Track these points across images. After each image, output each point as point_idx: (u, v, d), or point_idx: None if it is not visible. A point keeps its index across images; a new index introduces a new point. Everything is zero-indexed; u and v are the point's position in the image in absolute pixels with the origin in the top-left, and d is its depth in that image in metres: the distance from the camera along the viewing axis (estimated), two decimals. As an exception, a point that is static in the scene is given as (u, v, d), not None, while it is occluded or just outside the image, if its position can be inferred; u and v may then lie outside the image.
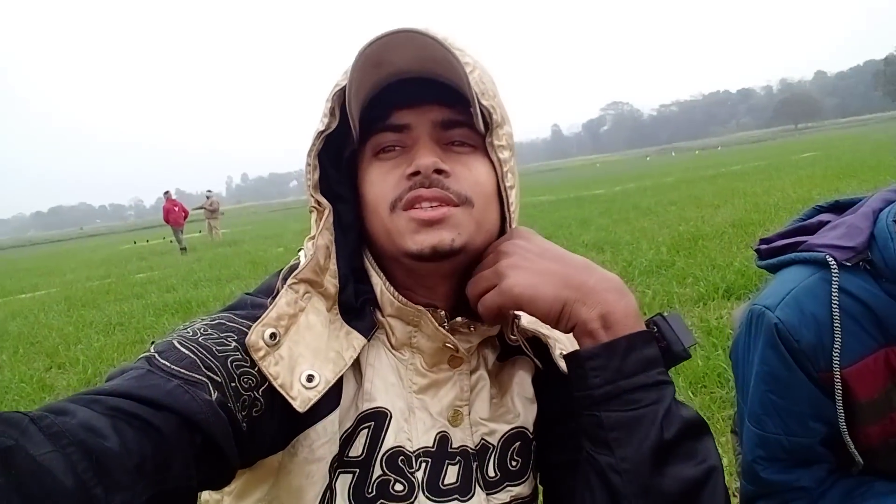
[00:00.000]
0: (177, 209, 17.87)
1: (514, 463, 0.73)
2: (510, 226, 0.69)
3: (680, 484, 0.55)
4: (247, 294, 0.69)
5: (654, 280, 5.28)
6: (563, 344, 0.71)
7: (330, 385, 0.62)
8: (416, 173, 0.63)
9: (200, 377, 0.53)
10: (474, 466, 0.70)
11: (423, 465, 0.69)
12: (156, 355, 0.54)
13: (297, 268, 0.66)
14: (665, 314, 0.64)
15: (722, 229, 7.28)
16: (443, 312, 0.70)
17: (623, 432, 0.57)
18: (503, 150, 0.67)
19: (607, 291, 0.61)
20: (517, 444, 0.74)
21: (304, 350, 0.62)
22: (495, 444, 0.72)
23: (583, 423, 0.61)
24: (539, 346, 0.73)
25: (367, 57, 0.59)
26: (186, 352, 0.55)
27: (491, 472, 0.72)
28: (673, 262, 5.80)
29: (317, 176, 0.66)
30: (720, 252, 6.02)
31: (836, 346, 0.87)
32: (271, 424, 0.60)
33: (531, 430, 0.75)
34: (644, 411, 0.57)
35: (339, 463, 0.66)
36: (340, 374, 0.64)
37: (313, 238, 0.66)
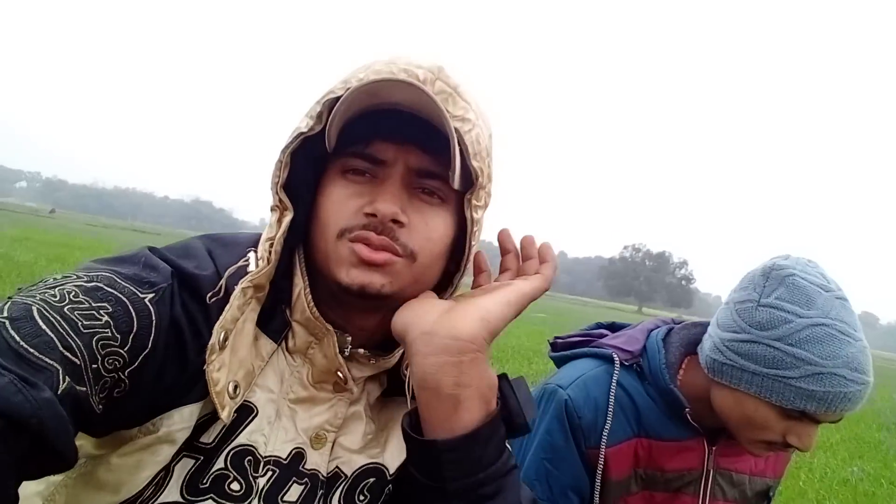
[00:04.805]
0: None
1: (361, 497, 0.69)
2: (459, 278, 0.71)
3: None
4: (151, 249, 0.63)
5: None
6: None
7: (243, 397, 0.62)
8: (374, 215, 0.62)
9: (51, 362, 0.46)
10: (319, 494, 0.67)
11: (270, 473, 0.64)
12: (6, 322, 0.46)
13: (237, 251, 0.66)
14: (511, 379, 0.65)
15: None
16: (349, 338, 0.68)
17: None
18: (479, 210, 0.67)
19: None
20: (371, 479, 0.70)
21: (235, 358, 0.61)
22: (348, 474, 0.69)
23: None
24: None
25: (364, 90, 0.59)
26: (45, 327, 0.47)
27: (335, 503, 0.68)
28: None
29: (286, 174, 0.64)
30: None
31: (606, 426, 1.07)
32: (133, 403, 0.56)
33: (391, 472, 0.71)
34: None
35: (187, 446, 0.60)
36: (250, 384, 0.63)
37: (271, 240, 0.64)
